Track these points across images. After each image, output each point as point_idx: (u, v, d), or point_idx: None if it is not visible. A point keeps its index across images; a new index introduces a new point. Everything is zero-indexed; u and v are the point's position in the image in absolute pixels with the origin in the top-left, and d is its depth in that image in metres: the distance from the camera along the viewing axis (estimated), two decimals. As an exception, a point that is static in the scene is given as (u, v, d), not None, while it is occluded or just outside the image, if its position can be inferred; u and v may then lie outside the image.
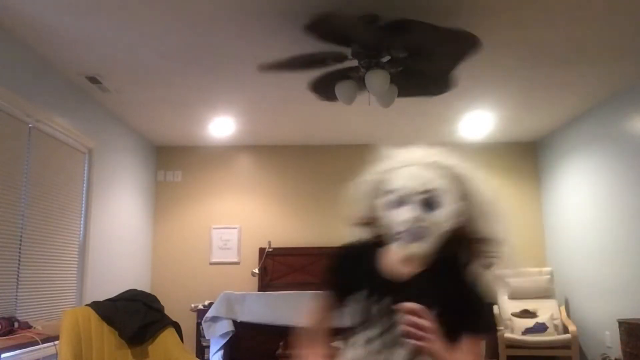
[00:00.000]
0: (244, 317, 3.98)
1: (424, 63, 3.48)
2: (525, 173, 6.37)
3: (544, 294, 5.55)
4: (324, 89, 3.84)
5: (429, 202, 1.24)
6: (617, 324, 4.25)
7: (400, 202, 1.26)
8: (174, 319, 3.23)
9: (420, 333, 1.09)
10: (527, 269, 5.76)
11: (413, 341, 1.10)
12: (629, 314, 4.32)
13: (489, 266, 1.30)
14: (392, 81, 3.39)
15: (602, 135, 5.00)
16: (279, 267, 6.08)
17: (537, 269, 5.72)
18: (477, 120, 5.54)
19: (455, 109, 5.17)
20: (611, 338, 4.67)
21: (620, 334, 4.17)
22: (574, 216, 5.53)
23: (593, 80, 4.39)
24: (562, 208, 5.80)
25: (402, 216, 1.23)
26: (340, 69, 3.52)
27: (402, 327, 1.12)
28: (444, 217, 1.24)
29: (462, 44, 3.28)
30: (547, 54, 3.87)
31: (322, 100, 4.17)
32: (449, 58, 3.49)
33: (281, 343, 3.62)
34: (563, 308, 5.47)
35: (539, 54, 3.85)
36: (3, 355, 3.02)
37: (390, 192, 1.29)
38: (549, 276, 5.62)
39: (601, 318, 4.94)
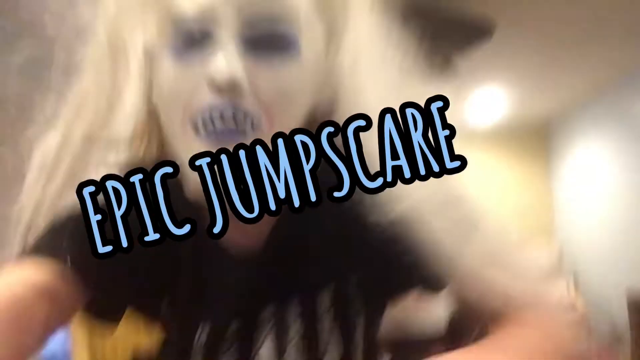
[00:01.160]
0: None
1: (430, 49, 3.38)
2: (534, 155, 6.28)
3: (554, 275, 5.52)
4: None
5: (268, 45, 0.54)
6: (626, 300, 4.23)
7: (202, 41, 0.53)
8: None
9: None
10: (535, 250, 5.72)
11: None
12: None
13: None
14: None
15: (615, 116, 4.93)
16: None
17: (546, 250, 5.69)
18: (487, 103, 5.42)
19: (462, 89, 5.04)
20: (619, 315, 4.66)
21: (629, 311, 4.16)
22: (585, 198, 5.47)
23: (608, 60, 4.28)
24: (573, 189, 5.74)
25: (210, 78, 0.52)
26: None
27: None
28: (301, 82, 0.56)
29: (474, 33, 3.19)
30: (561, 31, 3.76)
31: None
32: (456, 47, 3.40)
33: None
34: (572, 287, 5.46)
35: (553, 30, 3.75)
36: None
37: (180, 20, 0.53)
38: (558, 255, 5.59)
39: (610, 293, 4.92)
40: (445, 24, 3.10)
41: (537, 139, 6.30)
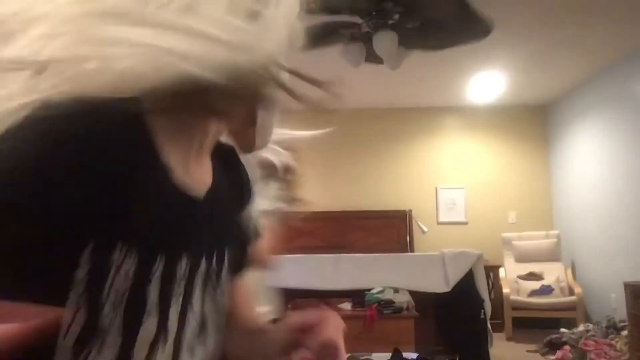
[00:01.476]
0: (253, 280, 4.04)
1: (432, 37, 3.43)
2: (534, 137, 6.32)
3: (551, 256, 5.58)
4: (313, 39, 3.75)
5: None
6: (622, 286, 4.27)
7: None
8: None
9: None
10: (534, 232, 5.79)
11: None
12: (635, 276, 4.34)
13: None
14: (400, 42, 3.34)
15: (612, 98, 4.93)
16: (286, 231, 6.12)
17: (544, 232, 5.74)
18: (487, 82, 5.46)
19: (464, 70, 5.09)
20: (617, 300, 4.71)
21: (626, 297, 4.20)
22: (582, 179, 5.50)
23: (604, 40, 4.30)
24: (571, 171, 5.77)
25: None
26: (339, 22, 3.43)
27: None
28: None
29: (474, 29, 3.23)
30: (558, 14, 3.78)
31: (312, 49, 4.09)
32: (457, 38, 3.44)
33: (289, 306, 3.68)
34: (569, 270, 5.50)
35: (550, 13, 3.76)
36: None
37: None
38: (555, 239, 5.63)
39: (607, 280, 4.97)
40: (447, 23, 3.15)
41: (537, 120, 6.34)
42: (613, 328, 4.40)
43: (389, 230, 6.09)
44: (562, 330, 4.58)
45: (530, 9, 3.68)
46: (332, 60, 4.64)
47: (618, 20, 3.90)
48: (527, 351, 4.56)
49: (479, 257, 3.89)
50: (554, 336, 4.49)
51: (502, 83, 5.47)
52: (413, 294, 3.65)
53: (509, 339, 5.03)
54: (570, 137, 5.77)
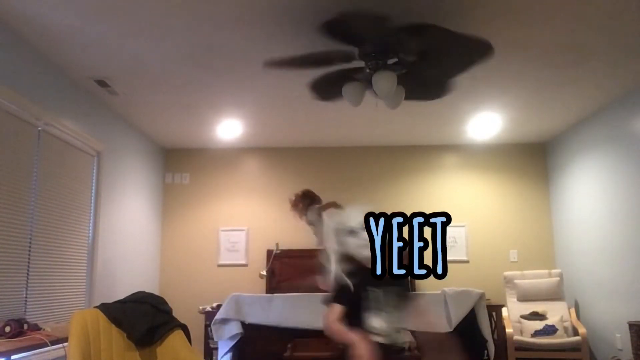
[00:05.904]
0: (252, 319, 3.98)
1: (431, 67, 3.48)
2: (534, 174, 6.34)
3: (554, 296, 5.51)
4: (324, 89, 3.82)
5: None
6: (627, 326, 4.21)
7: None
8: (182, 321, 3.23)
9: None
10: (536, 270, 5.73)
11: None
12: (640, 316, 4.28)
13: None
14: (398, 82, 3.39)
15: (611, 136, 4.96)
16: (286, 269, 6.08)
17: (546, 271, 5.69)
18: (486, 122, 5.51)
19: (463, 110, 5.15)
20: (622, 340, 4.63)
21: (631, 337, 4.13)
22: (584, 217, 5.48)
23: (602, 80, 4.36)
24: (572, 209, 5.76)
25: None
26: (344, 69, 3.51)
27: None
28: None
29: (475, 51, 3.28)
30: (556, 55, 3.84)
31: (320, 100, 4.16)
32: (459, 63, 3.50)
33: (289, 345, 3.62)
34: (573, 310, 5.43)
35: (548, 55, 3.83)
36: (13, 357, 3.04)
37: None
38: (558, 278, 5.57)
39: (611, 320, 4.89)
40: (451, 45, 3.20)
41: (536, 157, 6.37)
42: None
43: (390, 268, 6.02)
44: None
45: (529, 50, 3.75)
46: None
47: (616, 61, 3.96)
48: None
49: (481, 296, 3.85)
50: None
51: (501, 121, 5.52)
52: (415, 333, 3.59)
53: (513, 380, 4.91)
54: (570, 174, 5.79)
